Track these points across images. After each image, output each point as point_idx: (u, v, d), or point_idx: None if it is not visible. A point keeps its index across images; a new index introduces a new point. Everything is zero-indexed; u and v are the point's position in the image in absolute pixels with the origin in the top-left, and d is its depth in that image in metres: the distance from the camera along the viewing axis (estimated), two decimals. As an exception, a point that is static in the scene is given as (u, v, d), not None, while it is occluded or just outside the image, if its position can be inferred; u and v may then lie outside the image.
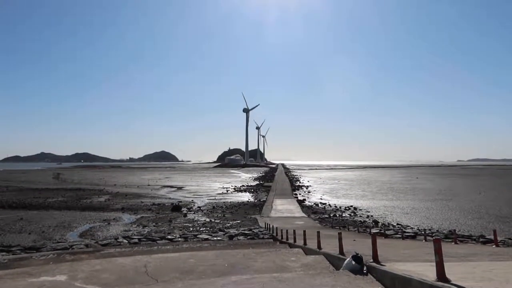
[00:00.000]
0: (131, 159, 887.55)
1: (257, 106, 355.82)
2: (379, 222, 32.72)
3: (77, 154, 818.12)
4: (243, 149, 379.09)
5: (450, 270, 4.47)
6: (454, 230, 19.86)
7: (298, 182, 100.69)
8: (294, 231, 14.23)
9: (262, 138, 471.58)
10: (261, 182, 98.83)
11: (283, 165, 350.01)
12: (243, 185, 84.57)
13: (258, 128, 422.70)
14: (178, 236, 22.74)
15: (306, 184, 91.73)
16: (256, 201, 50.88)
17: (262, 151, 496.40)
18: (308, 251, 9.50)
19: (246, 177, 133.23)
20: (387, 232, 23.24)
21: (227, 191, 69.41)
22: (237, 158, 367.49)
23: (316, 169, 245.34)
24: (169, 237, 22.26)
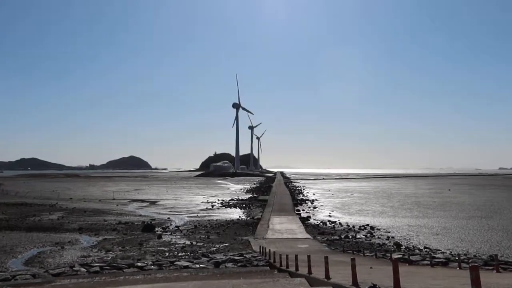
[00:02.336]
0: (91, 166, 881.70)
1: (251, 118, 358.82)
2: (402, 245, 32.88)
3: (22, 160, 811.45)
4: (233, 154, 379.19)
5: (491, 305, 4.46)
6: (496, 255, 19.99)
7: (301, 195, 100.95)
8: (296, 256, 14.23)
9: (256, 141, 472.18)
10: (255, 195, 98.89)
11: (282, 173, 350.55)
12: (232, 199, 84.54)
13: (251, 128, 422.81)
14: (150, 263, 22.67)
15: (311, 197, 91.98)
16: (248, 219, 50.86)
17: (257, 157, 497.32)
18: (313, 282, 9.47)
19: (237, 188, 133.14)
20: (412, 258, 23.33)
21: (212, 206, 69.29)
22: (225, 165, 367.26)
23: (323, 178, 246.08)
24: (139, 264, 22.17)
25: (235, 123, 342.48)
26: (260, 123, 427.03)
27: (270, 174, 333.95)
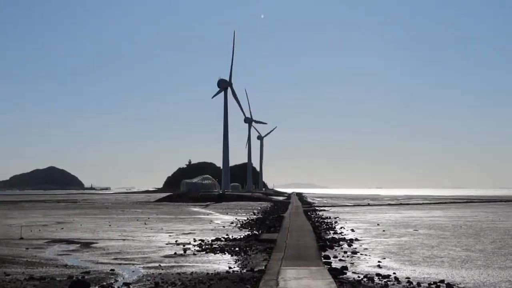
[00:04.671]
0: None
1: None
2: (499, 315, 32.84)
3: None
4: (219, 164, 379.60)
5: None
6: None
7: (331, 231, 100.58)
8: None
9: (258, 142, 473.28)
10: (255, 231, 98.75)
11: (300, 195, 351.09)
12: (218, 239, 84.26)
13: (249, 121, 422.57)
14: None
15: (349, 235, 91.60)
16: (245, 271, 50.63)
17: (258, 169, 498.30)
18: None
19: (225, 221, 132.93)
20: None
21: (185, 250, 69.03)
22: (205, 182, 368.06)
23: (368, 204, 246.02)
24: None
25: (225, 115, 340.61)
26: (266, 124, 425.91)
27: (281, 198, 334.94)
